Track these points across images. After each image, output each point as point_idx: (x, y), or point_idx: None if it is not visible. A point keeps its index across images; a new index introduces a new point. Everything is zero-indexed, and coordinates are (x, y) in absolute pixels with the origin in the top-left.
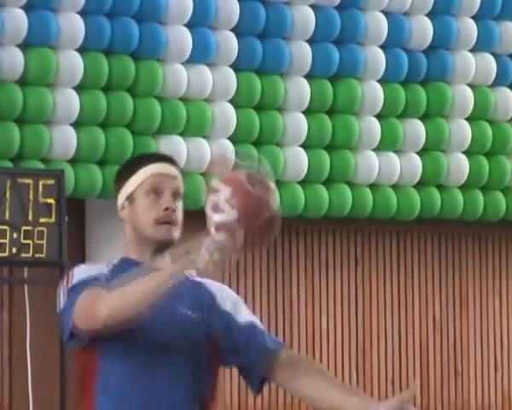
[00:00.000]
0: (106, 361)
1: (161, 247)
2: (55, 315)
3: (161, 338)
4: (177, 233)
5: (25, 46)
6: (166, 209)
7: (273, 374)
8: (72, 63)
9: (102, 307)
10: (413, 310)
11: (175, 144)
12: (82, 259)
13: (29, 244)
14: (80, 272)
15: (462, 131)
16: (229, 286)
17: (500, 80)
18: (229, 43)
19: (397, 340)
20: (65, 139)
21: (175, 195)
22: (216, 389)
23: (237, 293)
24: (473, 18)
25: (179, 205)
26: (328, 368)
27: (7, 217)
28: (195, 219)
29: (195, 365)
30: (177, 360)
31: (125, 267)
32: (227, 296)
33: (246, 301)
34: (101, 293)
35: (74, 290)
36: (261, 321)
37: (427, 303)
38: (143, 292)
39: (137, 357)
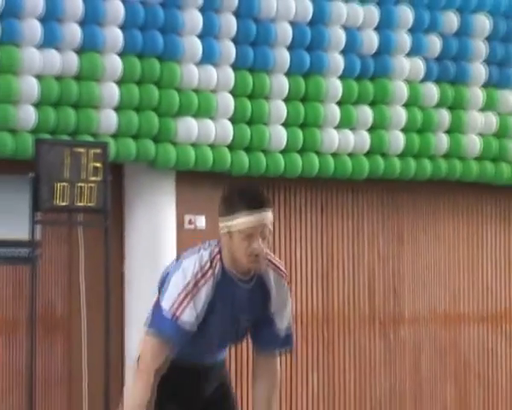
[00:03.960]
0: None
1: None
2: (101, 250)
3: (217, 335)
4: (263, 263)
5: (80, 51)
6: (256, 255)
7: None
8: (114, 64)
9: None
10: (363, 246)
11: (189, 124)
12: (120, 206)
13: (82, 196)
14: (189, 310)
15: (399, 115)
16: None
17: (427, 77)
18: (229, 49)
19: (351, 268)
20: (109, 120)
21: (264, 238)
22: None
23: None
24: (409, 30)
25: (265, 243)
26: (301, 284)
27: (67, 176)
28: (204, 179)
29: (237, 342)
30: (225, 343)
31: (226, 283)
32: (279, 294)
33: None
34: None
35: (177, 325)
36: None
37: (374, 241)
38: None
39: (198, 342)
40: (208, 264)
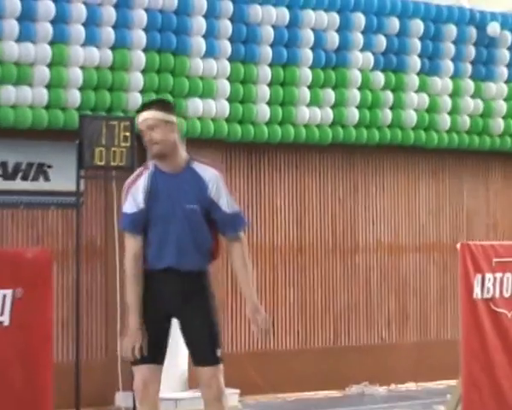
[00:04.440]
0: (147, 234)
1: (155, 157)
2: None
3: (169, 222)
4: (157, 146)
5: (113, 48)
6: (154, 142)
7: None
8: (139, 57)
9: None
10: (327, 195)
11: (195, 103)
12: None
13: (115, 158)
14: (129, 204)
15: (354, 95)
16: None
17: (375, 67)
18: (226, 46)
19: (319, 211)
20: (135, 100)
21: (152, 129)
22: (217, 244)
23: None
24: (362, 32)
25: (154, 132)
26: (281, 224)
27: (103, 143)
28: (208, 144)
29: (197, 230)
30: (182, 234)
31: (160, 176)
32: (214, 185)
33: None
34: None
35: (124, 218)
36: (241, 203)
37: (335, 191)
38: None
39: (158, 232)
40: (142, 167)
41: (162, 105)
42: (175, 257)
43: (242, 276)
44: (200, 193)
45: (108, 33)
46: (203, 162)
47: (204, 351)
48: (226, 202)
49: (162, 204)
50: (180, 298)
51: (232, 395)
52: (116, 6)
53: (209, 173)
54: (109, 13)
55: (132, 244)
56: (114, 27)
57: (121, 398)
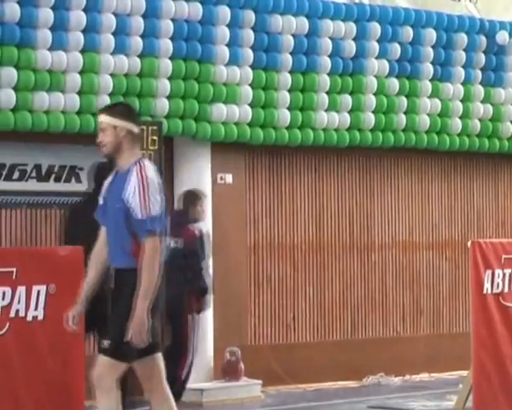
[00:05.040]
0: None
1: (104, 157)
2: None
3: (106, 221)
4: (104, 148)
5: (141, 56)
6: (102, 144)
7: None
8: (166, 65)
9: None
10: (345, 196)
11: (220, 108)
12: (171, 168)
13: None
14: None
15: (370, 101)
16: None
17: (391, 74)
18: (248, 54)
19: (337, 212)
20: (162, 105)
21: (102, 131)
22: (137, 246)
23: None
24: (377, 40)
25: (103, 134)
26: (301, 224)
27: None
28: (231, 147)
29: (120, 229)
30: (112, 231)
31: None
32: (132, 188)
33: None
34: None
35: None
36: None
37: (353, 192)
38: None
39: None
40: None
41: (113, 110)
42: (109, 255)
43: (139, 281)
44: (121, 194)
45: (137, 42)
46: (143, 166)
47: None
48: (139, 207)
49: (108, 205)
50: (112, 295)
51: (255, 386)
52: (144, 16)
53: (133, 176)
54: (138, 22)
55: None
56: (142, 36)
57: None
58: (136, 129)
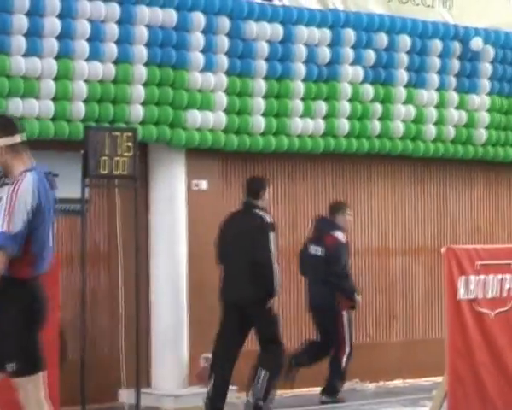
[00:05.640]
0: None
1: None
2: (132, 205)
3: None
4: None
5: (116, 62)
6: None
7: None
8: (141, 72)
9: None
10: (319, 202)
11: (194, 114)
12: (146, 174)
13: (118, 167)
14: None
15: (345, 107)
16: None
17: (365, 80)
18: (223, 60)
19: (310, 218)
20: (137, 112)
21: None
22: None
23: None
24: (352, 47)
25: None
26: (276, 230)
27: (107, 152)
28: (205, 154)
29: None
30: None
31: None
32: (3, 199)
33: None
34: None
35: None
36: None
37: (326, 198)
38: None
39: None
40: None
41: None
42: None
43: None
44: None
45: (111, 48)
46: (20, 181)
47: None
48: (1, 220)
49: None
50: None
51: (229, 392)
52: (119, 22)
53: (8, 190)
54: (112, 29)
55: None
56: (117, 43)
57: (124, 394)
58: (15, 139)
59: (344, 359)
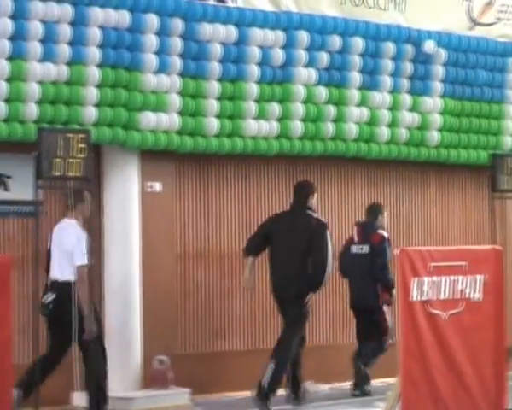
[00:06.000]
0: None
1: None
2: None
3: None
4: None
5: (70, 64)
6: None
7: None
8: (94, 73)
9: None
10: (275, 202)
11: (148, 116)
12: (99, 176)
13: (72, 168)
14: None
15: (299, 109)
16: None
17: (319, 82)
18: (176, 62)
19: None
20: (90, 113)
21: None
22: None
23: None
24: (306, 49)
25: None
26: (231, 230)
27: (60, 154)
28: (159, 156)
29: None
30: None
31: None
32: None
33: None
34: None
35: None
36: (191, 212)
37: (283, 199)
38: None
39: None
40: None
41: None
42: None
43: None
44: None
45: (65, 50)
46: None
47: None
48: None
49: None
50: None
51: (183, 394)
52: (72, 23)
53: None
54: (65, 30)
55: None
56: (70, 44)
57: (77, 398)
58: None
59: (384, 350)
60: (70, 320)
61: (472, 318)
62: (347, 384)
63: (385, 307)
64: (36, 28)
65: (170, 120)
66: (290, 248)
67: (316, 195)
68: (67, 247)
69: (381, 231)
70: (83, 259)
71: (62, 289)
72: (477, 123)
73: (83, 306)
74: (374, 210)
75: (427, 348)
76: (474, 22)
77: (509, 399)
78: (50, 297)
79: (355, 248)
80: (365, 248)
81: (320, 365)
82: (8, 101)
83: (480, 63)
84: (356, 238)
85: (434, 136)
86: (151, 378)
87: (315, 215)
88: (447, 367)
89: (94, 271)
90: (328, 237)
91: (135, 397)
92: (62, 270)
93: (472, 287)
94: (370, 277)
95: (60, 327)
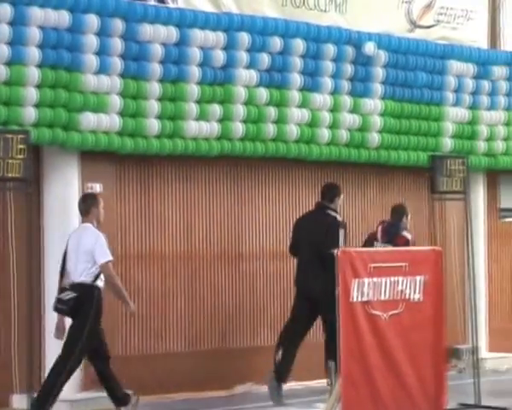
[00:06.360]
0: None
1: None
2: (25, 208)
3: None
4: None
5: (9, 64)
6: None
7: None
8: (34, 73)
9: None
10: (216, 205)
11: (88, 117)
12: (39, 177)
13: (11, 169)
14: None
15: (240, 110)
16: None
17: (260, 84)
18: (117, 63)
19: (208, 220)
20: (30, 114)
21: None
22: None
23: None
24: (247, 50)
25: None
26: (172, 234)
27: (0, 155)
28: (100, 156)
29: None
30: None
31: None
32: None
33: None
34: None
35: None
36: (132, 213)
37: (223, 201)
38: None
39: None
40: None
41: None
42: None
43: None
44: None
45: (4, 50)
46: None
47: None
48: None
49: None
50: None
51: None
52: (11, 23)
53: None
54: (4, 30)
55: None
56: (9, 44)
57: (17, 400)
58: None
59: None
60: (82, 320)
61: (412, 318)
62: (288, 385)
63: None
64: None
65: (110, 120)
66: (310, 245)
67: (342, 196)
68: (87, 247)
69: (405, 233)
70: (105, 256)
71: (82, 288)
72: (417, 125)
73: (120, 295)
74: (399, 211)
75: (367, 349)
76: (414, 24)
77: (448, 399)
78: (71, 295)
79: (379, 246)
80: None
81: (261, 366)
82: None
83: (419, 65)
84: (379, 238)
85: (375, 137)
86: (91, 381)
87: (333, 214)
88: (387, 368)
89: (34, 272)
90: (341, 235)
91: (76, 399)
92: (80, 272)
93: (412, 288)
94: None
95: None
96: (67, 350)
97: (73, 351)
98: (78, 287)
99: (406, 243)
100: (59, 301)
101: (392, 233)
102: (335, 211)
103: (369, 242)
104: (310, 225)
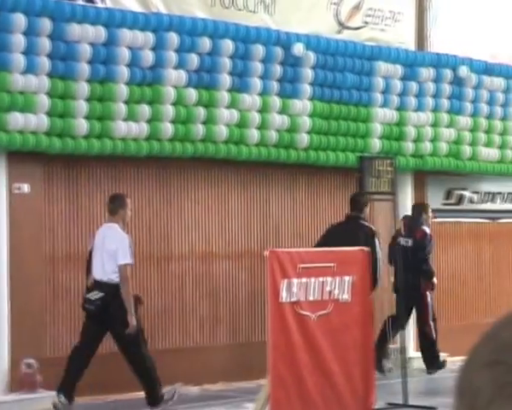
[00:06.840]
0: None
1: None
2: None
3: None
4: None
5: None
6: None
7: None
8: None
9: None
10: (143, 205)
11: (16, 117)
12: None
13: None
14: None
15: (169, 111)
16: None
17: (189, 84)
18: (45, 62)
19: (137, 224)
20: None
21: None
22: None
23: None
24: (176, 51)
25: None
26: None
27: None
28: (28, 157)
29: None
30: None
31: None
32: None
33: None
34: None
35: None
36: (60, 214)
37: (151, 202)
38: None
39: None
40: None
41: None
42: None
43: None
44: None
45: None
46: None
47: None
48: None
49: None
50: None
51: (52, 398)
52: None
53: None
54: None
55: None
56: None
57: None
58: None
59: (432, 332)
60: (112, 316)
61: (340, 318)
62: (217, 386)
63: (428, 294)
64: None
65: (38, 120)
66: None
67: (368, 205)
68: (111, 247)
69: (424, 227)
70: (125, 258)
71: (108, 288)
72: (345, 126)
73: (125, 303)
74: (418, 207)
75: (296, 349)
76: (342, 26)
77: (376, 398)
78: (98, 295)
79: (402, 241)
80: (410, 242)
81: (190, 367)
82: None
83: (348, 66)
84: (403, 231)
85: (304, 138)
86: (19, 382)
87: (366, 224)
88: (316, 368)
89: None
90: (377, 243)
91: (3, 401)
92: (105, 270)
93: (340, 288)
94: (413, 267)
95: (101, 322)
96: (135, 354)
97: (140, 352)
98: (104, 286)
99: (424, 235)
100: (86, 300)
101: (412, 226)
102: (366, 220)
103: (395, 238)
104: (343, 235)
